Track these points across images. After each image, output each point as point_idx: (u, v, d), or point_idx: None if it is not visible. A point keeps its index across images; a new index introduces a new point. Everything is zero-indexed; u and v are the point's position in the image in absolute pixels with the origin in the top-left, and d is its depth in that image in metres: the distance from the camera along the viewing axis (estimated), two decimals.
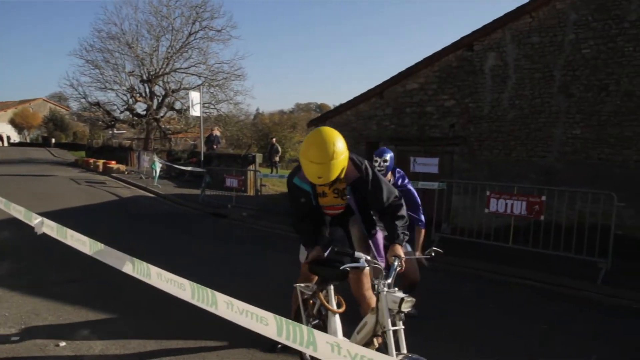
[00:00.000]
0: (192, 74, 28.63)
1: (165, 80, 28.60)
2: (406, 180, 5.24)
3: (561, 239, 7.60)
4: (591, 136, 9.40)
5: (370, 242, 3.75)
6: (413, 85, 11.83)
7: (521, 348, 4.68)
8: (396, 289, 2.98)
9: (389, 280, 2.98)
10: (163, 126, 29.81)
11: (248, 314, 2.33)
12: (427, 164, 10.39)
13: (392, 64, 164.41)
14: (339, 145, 3.22)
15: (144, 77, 28.06)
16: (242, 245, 9.14)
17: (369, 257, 3.21)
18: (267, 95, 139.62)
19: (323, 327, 3.56)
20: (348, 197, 3.55)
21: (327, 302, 3.43)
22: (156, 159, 18.99)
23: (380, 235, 3.84)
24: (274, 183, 18.09)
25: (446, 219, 9.76)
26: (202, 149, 20.53)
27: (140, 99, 28.62)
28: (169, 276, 2.77)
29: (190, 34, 27.59)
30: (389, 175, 5.09)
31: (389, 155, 5.04)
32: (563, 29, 9.60)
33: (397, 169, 5.25)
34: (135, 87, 28.63)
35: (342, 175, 3.37)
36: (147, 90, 28.61)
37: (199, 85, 26.32)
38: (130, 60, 28.02)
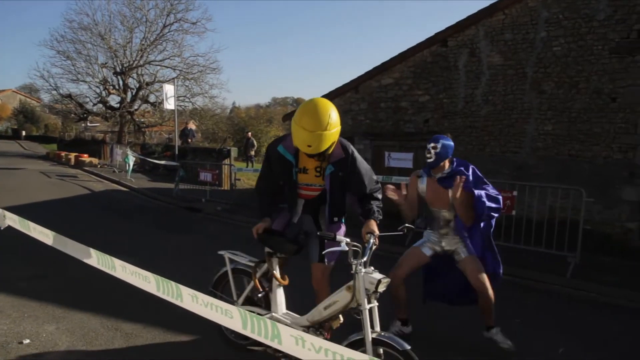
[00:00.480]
0: (167, 67, 28.31)
1: (139, 72, 28.19)
2: (470, 170, 4.36)
3: (532, 234, 7.71)
4: (562, 132, 9.55)
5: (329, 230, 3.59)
6: (388, 80, 11.85)
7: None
8: (372, 268, 3.02)
9: (365, 259, 2.99)
10: (137, 119, 29.37)
11: (213, 306, 2.30)
12: (402, 159, 10.45)
13: (369, 57, 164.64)
14: (334, 117, 3.22)
15: (117, 69, 27.60)
16: (216, 240, 9.05)
17: (348, 240, 3.10)
18: (244, 89, 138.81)
19: (267, 298, 3.61)
20: (327, 174, 3.46)
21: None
22: (129, 152, 18.70)
23: (343, 229, 3.71)
24: (249, 177, 17.99)
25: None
26: (177, 142, 20.32)
27: (114, 91, 28.15)
28: (132, 269, 2.72)
29: (164, 26, 27.25)
30: (446, 163, 4.35)
31: (441, 143, 4.27)
32: (535, 27, 9.72)
33: (457, 159, 4.45)
34: (108, 79, 28.16)
35: (330, 151, 3.36)
36: (121, 82, 28.16)
37: (173, 78, 26.01)
38: (103, 51, 27.55)
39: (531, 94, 9.86)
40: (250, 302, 3.73)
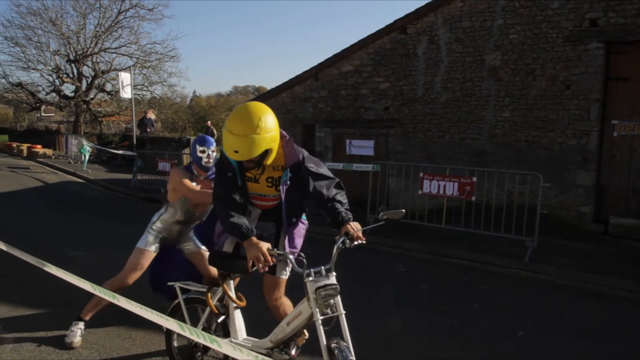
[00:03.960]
0: (123, 55, 27.39)
1: (94, 60, 27.22)
2: None
3: (491, 219, 7.82)
4: (519, 119, 9.71)
5: (287, 233, 3.35)
6: (348, 67, 11.80)
7: (453, 327, 4.77)
8: (333, 274, 2.79)
9: (329, 265, 2.82)
10: (93, 109, 28.48)
11: (146, 308, 2.22)
12: (363, 147, 10.42)
13: (331, 44, 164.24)
14: (268, 120, 2.91)
15: (71, 57, 26.59)
16: None
17: (290, 257, 2.88)
18: (205, 77, 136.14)
19: (225, 325, 3.35)
20: (288, 182, 3.16)
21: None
22: (85, 142, 18.16)
23: (300, 226, 3.44)
24: None
25: (382, 201, 9.84)
26: (135, 132, 19.82)
27: (68, 79, 27.14)
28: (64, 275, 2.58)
29: (119, 12, 26.29)
30: None
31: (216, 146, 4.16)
32: (492, 14, 9.81)
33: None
34: (62, 68, 27.07)
35: (269, 161, 3.05)
36: (75, 70, 27.17)
37: (130, 67, 25.25)
38: (54, 38, 26.43)
39: (489, 81, 9.98)
40: (207, 332, 3.41)
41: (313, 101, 12.40)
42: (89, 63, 27.27)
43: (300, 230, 3.47)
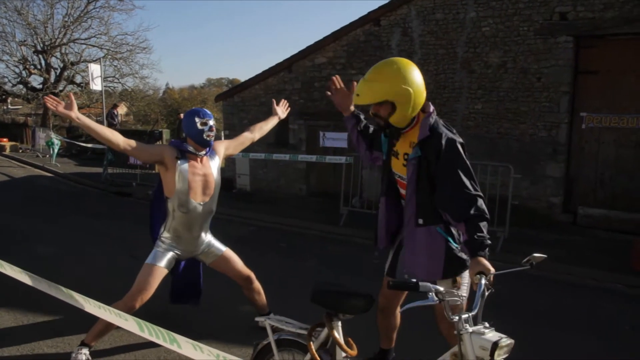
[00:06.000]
0: (93, 46, 26.79)
1: (62, 51, 26.59)
2: None
3: None
4: (491, 111, 9.80)
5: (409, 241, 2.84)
6: (321, 59, 11.75)
7: (425, 319, 4.77)
8: (485, 324, 2.22)
9: (474, 312, 2.23)
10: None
11: (105, 309, 2.16)
12: (337, 139, 10.40)
13: (306, 37, 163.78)
14: (387, 71, 2.78)
15: (38, 48, 25.94)
16: (147, 225, 8.70)
17: (441, 289, 2.26)
18: (178, 70, 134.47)
19: None
20: (410, 157, 2.77)
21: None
22: (53, 135, 17.74)
23: (436, 240, 2.80)
24: None
25: (355, 193, 9.85)
26: (105, 124, 19.46)
27: (35, 71, 26.47)
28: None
29: (89, 2, 25.74)
30: None
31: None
32: (465, 7, 9.86)
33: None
34: (29, 59, 26.41)
35: (394, 120, 2.82)
36: (43, 62, 26.52)
37: (100, 58, 24.74)
38: (20, 28, 25.71)
39: (461, 73, 10.04)
40: None
41: (286, 93, 12.30)
42: (58, 54, 26.64)
43: (435, 249, 2.80)
